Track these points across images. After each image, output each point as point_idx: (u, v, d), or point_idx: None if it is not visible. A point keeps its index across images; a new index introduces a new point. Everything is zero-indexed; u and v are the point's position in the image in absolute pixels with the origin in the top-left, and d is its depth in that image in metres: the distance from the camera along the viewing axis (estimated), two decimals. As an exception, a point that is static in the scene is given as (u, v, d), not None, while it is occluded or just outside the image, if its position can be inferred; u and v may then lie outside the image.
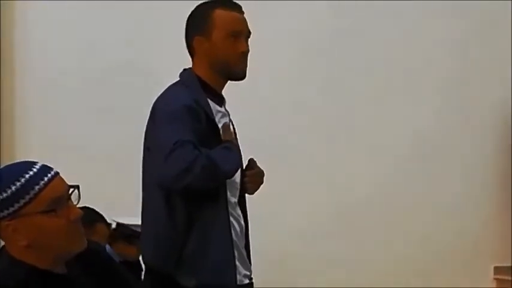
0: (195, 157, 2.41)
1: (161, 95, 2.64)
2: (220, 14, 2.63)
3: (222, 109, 2.70)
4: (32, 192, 1.87)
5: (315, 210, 4.73)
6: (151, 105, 2.64)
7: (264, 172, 2.79)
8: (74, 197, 1.96)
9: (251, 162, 2.78)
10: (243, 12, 2.69)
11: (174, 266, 2.52)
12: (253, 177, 2.74)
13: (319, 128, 4.80)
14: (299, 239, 4.71)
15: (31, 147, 4.37)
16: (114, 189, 4.21)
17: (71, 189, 1.95)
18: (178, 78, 2.71)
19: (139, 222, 3.68)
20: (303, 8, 4.73)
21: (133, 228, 3.77)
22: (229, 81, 2.74)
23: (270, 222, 4.41)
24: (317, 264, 4.72)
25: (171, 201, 2.53)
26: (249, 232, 2.77)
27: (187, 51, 2.75)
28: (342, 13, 4.81)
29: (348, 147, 4.83)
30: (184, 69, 2.72)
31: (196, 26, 2.66)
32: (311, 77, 4.79)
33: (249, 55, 2.71)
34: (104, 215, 3.77)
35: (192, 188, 2.45)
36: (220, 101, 2.71)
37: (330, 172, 4.81)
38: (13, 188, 1.87)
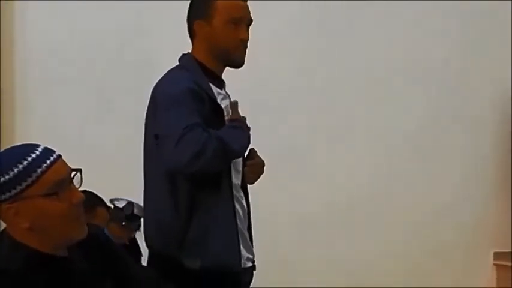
0: (205, 140, 2.40)
1: (161, 79, 2.63)
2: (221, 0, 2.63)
3: (223, 91, 2.69)
4: (34, 175, 1.87)
5: (315, 210, 4.73)
6: (151, 90, 2.63)
7: (265, 163, 2.78)
8: (76, 181, 1.95)
9: (252, 152, 2.77)
10: (245, 0, 2.68)
11: (177, 248, 2.51)
12: (253, 167, 2.74)
13: (319, 127, 4.80)
14: (299, 239, 4.70)
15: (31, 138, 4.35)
16: (114, 185, 4.19)
17: (73, 173, 1.95)
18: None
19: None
20: (304, 8, 4.74)
21: (122, 207, 3.80)
22: (231, 71, 2.73)
23: (269, 223, 4.40)
24: (317, 264, 4.71)
25: (175, 184, 2.52)
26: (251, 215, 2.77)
27: (185, 43, 2.74)
28: (343, 12, 4.82)
29: (347, 146, 4.82)
30: (184, 54, 2.71)
31: (198, 10, 2.66)
32: (311, 75, 4.79)
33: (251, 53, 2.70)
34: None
35: (204, 171, 2.44)
36: (220, 84, 2.70)
37: (329, 172, 4.80)
38: (15, 170, 1.86)
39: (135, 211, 3.79)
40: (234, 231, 2.58)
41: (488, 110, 5.05)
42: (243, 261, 2.61)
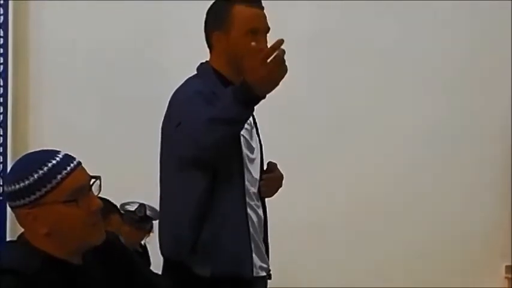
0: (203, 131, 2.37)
1: (176, 89, 2.61)
2: (239, 10, 2.58)
3: None
4: (54, 181, 1.88)
5: (327, 214, 4.71)
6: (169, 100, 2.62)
7: (284, 176, 2.74)
8: (94, 188, 1.96)
9: (270, 165, 2.73)
10: (262, 8, 2.63)
11: (189, 256, 2.48)
12: (269, 180, 2.69)
13: (328, 131, 4.78)
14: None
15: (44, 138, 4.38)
16: (127, 182, 4.21)
17: (93, 180, 1.96)
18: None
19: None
20: (316, 10, 4.75)
21: (135, 209, 3.83)
22: None
23: (280, 228, 4.38)
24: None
25: (187, 192, 2.51)
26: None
27: (197, 49, 2.73)
28: (350, 14, 4.82)
29: (359, 151, 4.82)
30: (201, 63, 2.69)
31: (216, 21, 2.62)
32: (327, 70, 4.79)
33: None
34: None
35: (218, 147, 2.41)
36: None
37: (342, 176, 4.78)
38: (35, 176, 1.87)
39: (148, 213, 3.82)
40: (246, 238, 2.54)
41: (503, 117, 5.01)
42: (255, 269, 2.56)
